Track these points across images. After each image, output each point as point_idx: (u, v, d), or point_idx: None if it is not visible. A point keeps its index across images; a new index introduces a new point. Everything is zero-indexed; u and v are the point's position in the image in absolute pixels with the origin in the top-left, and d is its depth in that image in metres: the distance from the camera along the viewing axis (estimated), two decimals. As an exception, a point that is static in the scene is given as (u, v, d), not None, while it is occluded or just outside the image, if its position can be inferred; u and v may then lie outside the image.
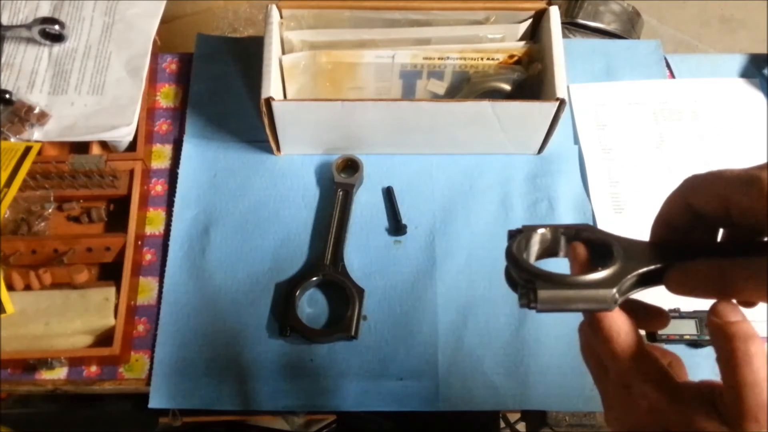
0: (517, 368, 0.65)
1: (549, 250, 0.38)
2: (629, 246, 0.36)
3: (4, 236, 0.68)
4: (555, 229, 0.38)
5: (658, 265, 0.35)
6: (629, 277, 0.34)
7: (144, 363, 0.65)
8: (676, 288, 0.34)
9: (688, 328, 0.65)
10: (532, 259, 0.37)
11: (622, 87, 0.80)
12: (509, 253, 0.36)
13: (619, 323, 0.35)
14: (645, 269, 0.34)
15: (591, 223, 0.72)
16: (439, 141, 0.73)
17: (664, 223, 0.37)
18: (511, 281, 0.36)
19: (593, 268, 0.34)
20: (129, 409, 0.81)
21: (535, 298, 0.33)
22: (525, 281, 0.34)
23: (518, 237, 0.37)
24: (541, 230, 0.38)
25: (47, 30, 0.76)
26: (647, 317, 0.38)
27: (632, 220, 0.72)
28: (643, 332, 0.38)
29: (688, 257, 0.34)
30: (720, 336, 0.32)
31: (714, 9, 1.79)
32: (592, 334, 0.36)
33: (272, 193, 0.73)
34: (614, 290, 0.33)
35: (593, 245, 0.37)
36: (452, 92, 0.74)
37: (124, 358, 0.65)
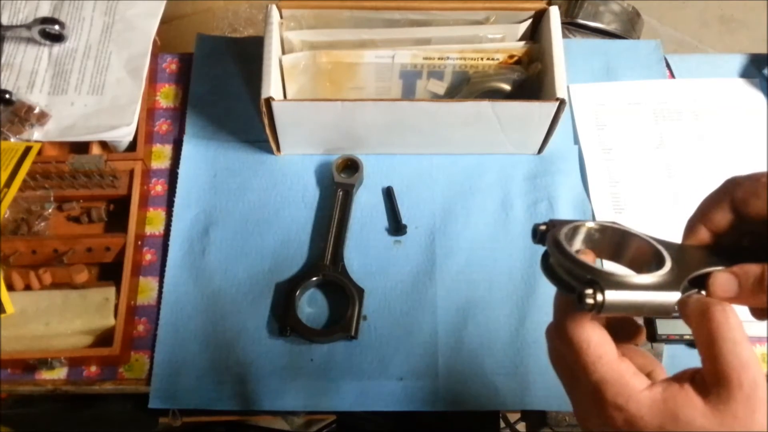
0: (517, 368, 0.65)
1: (591, 249, 0.36)
2: (674, 248, 0.34)
3: (4, 236, 0.68)
4: (603, 225, 0.36)
5: (716, 268, 0.33)
6: (685, 281, 0.32)
7: (144, 363, 0.65)
8: (723, 290, 0.33)
9: (688, 328, 0.65)
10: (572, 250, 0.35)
11: (622, 87, 0.80)
12: (559, 245, 0.33)
13: (588, 333, 0.33)
14: (700, 272, 0.33)
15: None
16: (440, 141, 0.73)
17: (702, 225, 0.36)
18: (554, 275, 0.34)
19: (644, 271, 0.32)
20: (129, 409, 0.81)
21: (603, 300, 0.30)
22: (584, 281, 0.31)
23: (563, 229, 0.34)
24: (589, 224, 0.35)
25: (47, 30, 0.76)
26: (623, 330, 0.36)
27: (632, 220, 0.72)
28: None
29: (734, 261, 0.33)
30: (696, 308, 0.32)
31: (714, 9, 1.79)
32: (561, 343, 0.34)
33: (272, 193, 0.73)
34: (680, 293, 0.31)
35: (621, 243, 0.35)
36: (452, 92, 0.74)
37: (124, 358, 0.65)
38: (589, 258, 0.36)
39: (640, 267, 0.34)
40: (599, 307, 0.30)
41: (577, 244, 0.36)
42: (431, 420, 0.82)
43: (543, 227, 0.36)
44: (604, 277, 0.31)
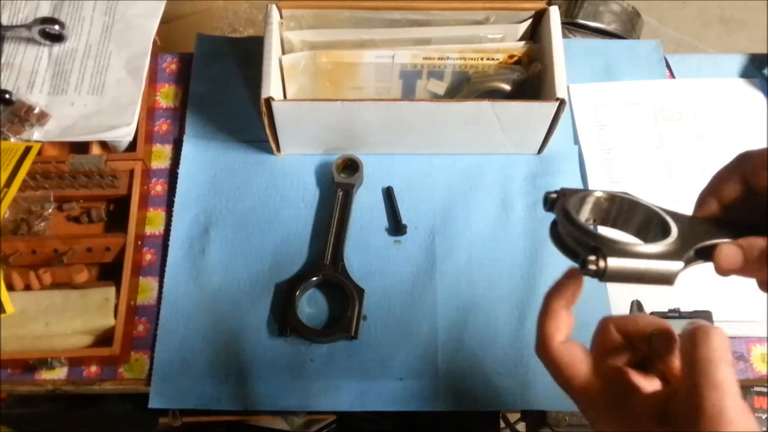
0: (517, 368, 0.65)
1: (600, 218, 0.37)
2: (683, 220, 0.34)
3: (4, 236, 0.68)
4: (612, 194, 0.36)
5: (722, 240, 0.33)
6: (690, 251, 0.33)
7: (144, 363, 0.65)
8: (728, 262, 0.33)
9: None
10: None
11: (622, 87, 0.80)
12: (566, 213, 0.34)
13: (572, 351, 0.36)
14: (706, 243, 0.33)
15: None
16: (439, 141, 0.73)
17: (713, 198, 0.37)
18: (561, 243, 0.34)
19: (650, 240, 0.33)
20: (129, 409, 0.81)
21: (605, 267, 0.31)
22: (589, 248, 0.32)
23: (572, 197, 0.35)
24: (598, 193, 0.36)
25: (47, 30, 0.76)
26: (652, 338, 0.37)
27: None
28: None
29: (742, 234, 0.33)
30: (700, 336, 0.32)
31: (714, 9, 1.79)
32: (542, 360, 0.37)
33: (272, 193, 0.73)
34: (682, 263, 0.32)
35: (629, 213, 0.36)
36: (452, 92, 0.74)
37: (124, 358, 0.65)
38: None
39: (647, 236, 0.35)
40: (601, 274, 0.31)
41: (586, 212, 0.37)
42: (431, 420, 0.82)
43: (554, 195, 0.36)
44: (608, 244, 0.31)
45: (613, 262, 0.31)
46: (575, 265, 0.35)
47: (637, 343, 0.37)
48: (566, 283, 0.37)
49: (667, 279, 0.32)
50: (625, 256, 0.31)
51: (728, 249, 0.33)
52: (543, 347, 0.37)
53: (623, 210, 0.37)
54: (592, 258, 0.31)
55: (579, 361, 0.36)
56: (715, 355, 0.31)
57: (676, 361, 0.35)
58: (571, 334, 0.38)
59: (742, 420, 0.30)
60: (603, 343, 0.38)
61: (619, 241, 0.32)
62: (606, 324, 0.38)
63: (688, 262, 0.33)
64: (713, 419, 0.30)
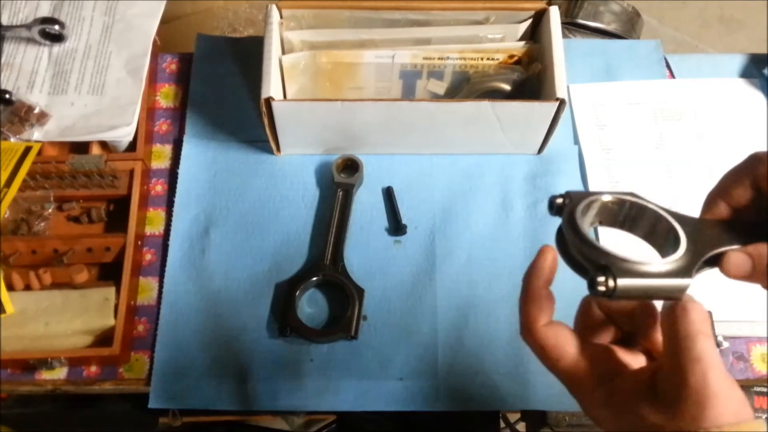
0: (517, 368, 0.65)
1: (607, 220, 0.36)
2: (690, 223, 0.34)
3: (4, 236, 0.68)
4: (620, 199, 0.35)
5: (731, 247, 0.33)
6: (700, 261, 0.32)
7: (144, 363, 0.65)
8: (737, 270, 0.33)
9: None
10: (587, 229, 0.34)
11: (621, 87, 0.80)
12: (574, 226, 0.33)
13: (557, 333, 0.36)
14: (714, 252, 0.32)
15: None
16: (439, 141, 0.73)
17: (721, 200, 0.36)
18: (567, 253, 0.34)
19: (659, 245, 0.32)
20: (129, 409, 0.81)
21: (614, 287, 0.30)
22: (597, 266, 0.31)
23: (579, 202, 0.34)
24: (606, 197, 0.35)
25: (47, 30, 0.76)
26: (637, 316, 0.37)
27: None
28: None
29: (751, 238, 0.33)
30: (678, 311, 0.32)
31: (714, 9, 1.79)
32: (528, 344, 0.37)
33: (272, 193, 0.73)
34: (692, 279, 0.31)
35: (637, 217, 0.35)
36: (452, 92, 0.74)
37: (124, 358, 0.65)
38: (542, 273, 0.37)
39: (655, 241, 0.34)
40: (610, 294, 0.31)
41: (593, 215, 0.36)
42: (431, 420, 0.82)
43: (560, 200, 0.36)
44: (617, 264, 0.31)
45: (623, 283, 0.30)
46: (549, 244, 0.35)
47: (619, 319, 0.37)
48: (541, 262, 0.37)
49: (677, 295, 0.32)
50: (635, 276, 0.31)
51: (737, 257, 0.33)
52: (527, 331, 0.37)
53: (631, 214, 0.36)
54: (601, 279, 0.31)
55: (565, 343, 0.36)
56: (694, 328, 0.31)
57: (658, 336, 0.35)
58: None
59: (727, 390, 0.30)
60: (585, 322, 0.38)
61: (629, 260, 0.31)
62: (588, 302, 0.38)
63: (697, 271, 0.33)
64: (698, 392, 0.30)
